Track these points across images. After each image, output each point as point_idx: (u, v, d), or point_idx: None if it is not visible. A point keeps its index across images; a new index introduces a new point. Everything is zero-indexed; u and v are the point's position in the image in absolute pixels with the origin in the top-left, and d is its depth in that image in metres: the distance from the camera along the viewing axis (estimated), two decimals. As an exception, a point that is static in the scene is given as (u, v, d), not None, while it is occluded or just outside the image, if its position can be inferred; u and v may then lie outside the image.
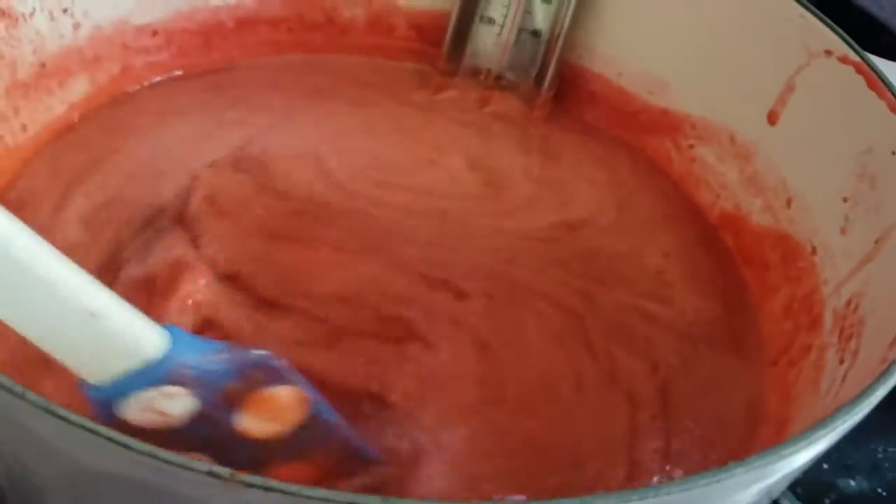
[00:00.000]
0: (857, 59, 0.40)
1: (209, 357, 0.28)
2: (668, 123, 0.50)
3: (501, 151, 0.50)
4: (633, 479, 0.36)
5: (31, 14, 0.42)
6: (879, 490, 0.45)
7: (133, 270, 0.39)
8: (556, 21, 0.50)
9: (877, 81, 0.39)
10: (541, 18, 0.50)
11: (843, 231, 0.40)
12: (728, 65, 0.47)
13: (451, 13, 0.51)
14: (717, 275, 0.45)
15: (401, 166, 0.47)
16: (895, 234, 0.37)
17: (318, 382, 0.31)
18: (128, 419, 0.27)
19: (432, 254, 0.43)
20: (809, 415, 0.36)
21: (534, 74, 0.51)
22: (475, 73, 0.52)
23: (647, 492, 0.22)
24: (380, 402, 0.36)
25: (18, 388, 0.22)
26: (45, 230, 0.39)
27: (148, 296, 0.38)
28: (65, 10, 0.44)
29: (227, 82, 0.50)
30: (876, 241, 0.38)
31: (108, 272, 0.39)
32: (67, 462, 0.24)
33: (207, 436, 0.28)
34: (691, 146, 0.49)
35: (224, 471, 0.21)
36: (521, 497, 0.34)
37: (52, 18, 0.43)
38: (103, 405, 0.27)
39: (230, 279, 0.39)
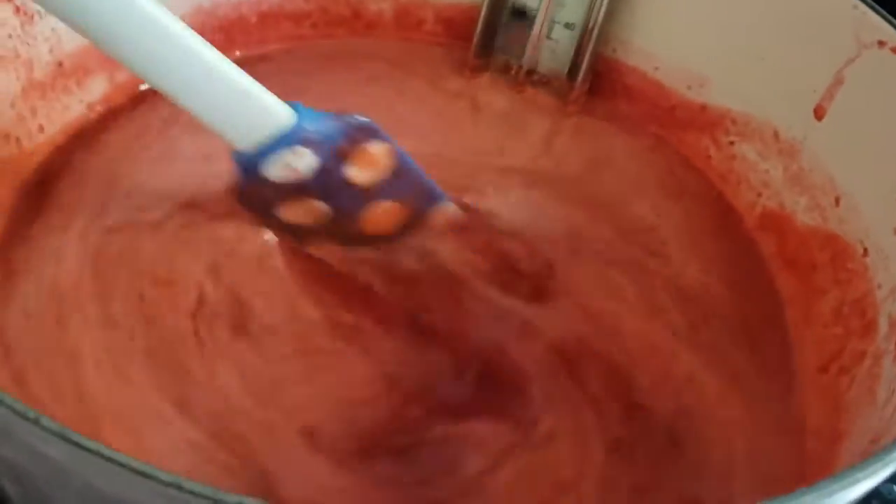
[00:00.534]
0: (912, 50, 0.38)
1: (325, 123, 0.37)
2: (706, 119, 0.48)
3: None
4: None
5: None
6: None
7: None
8: (589, 13, 0.48)
9: (933, 73, 0.37)
10: (574, 10, 0.48)
11: (896, 231, 0.38)
12: (772, 58, 0.45)
13: (480, 6, 0.49)
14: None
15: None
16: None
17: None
18: (269, 176, 0.37)
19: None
20: (866, 426, 0.35)
21: (567, 69, 0.49)
22: (506, 68, 0.50)
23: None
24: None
25: (32, 414, 0.20)
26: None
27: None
28: (82, 7, 0.42)
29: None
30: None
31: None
32: (85, 489, 0.23)
33: (326, 185, 0.38)
34: (732, 143, 0.48)
35: (254, 501, 0.19)
36: None
37: (68, 15, 0.42)
38: (250, 167, 0.37)
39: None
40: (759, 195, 0.46)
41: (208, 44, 0.34)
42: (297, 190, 0.38)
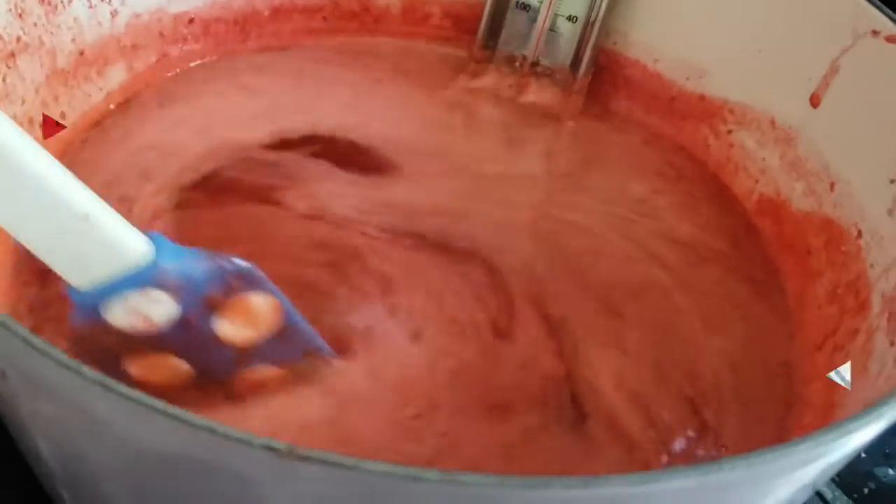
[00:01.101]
0: (905, 38, 0.40)
1: (192, 264, 0.30)
2: (705, 109, 0.50)
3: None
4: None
5: (70, 1, 0.42)
6: (921, 479, 0.45)
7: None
8: (592, 6, 0.49)
9: (925, 61, 0.38)
10: (576, 3, 0.49)
11: (890, 213, 0.39)
12: (769, 49, 0.46)
13: (485, 0, 0.51)
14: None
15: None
16: (946, 215, 0.36)
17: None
18: (113, 323, 0.29)
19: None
20: (859, 398, 0.36)
21: (570, 61, 0.51)
22: (510, 60, 0.52)
23: (688, 471, 0.21)
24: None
25: (74, 364, 0.21)
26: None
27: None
28: (102, -2, 0.44)
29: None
30: (926, 222, 0.37)
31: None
32: (122, 442, 0.24)
33: (187, 340, 0.30)
34: (730, 131, 0.49)
35: (281, 445, 0.21)
36: None
37: (90, 6, 0.43)
38: (88, 310, 0.29)
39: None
40: (757, 182, 0.48)
41: (44, 151, 0.27)
42: (150, 342, 0.30)
